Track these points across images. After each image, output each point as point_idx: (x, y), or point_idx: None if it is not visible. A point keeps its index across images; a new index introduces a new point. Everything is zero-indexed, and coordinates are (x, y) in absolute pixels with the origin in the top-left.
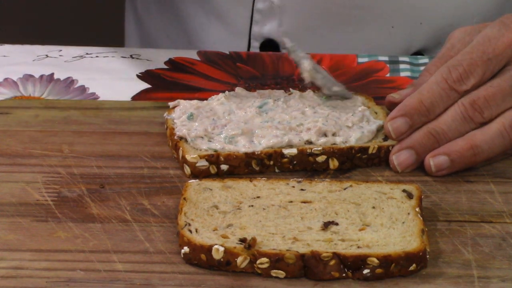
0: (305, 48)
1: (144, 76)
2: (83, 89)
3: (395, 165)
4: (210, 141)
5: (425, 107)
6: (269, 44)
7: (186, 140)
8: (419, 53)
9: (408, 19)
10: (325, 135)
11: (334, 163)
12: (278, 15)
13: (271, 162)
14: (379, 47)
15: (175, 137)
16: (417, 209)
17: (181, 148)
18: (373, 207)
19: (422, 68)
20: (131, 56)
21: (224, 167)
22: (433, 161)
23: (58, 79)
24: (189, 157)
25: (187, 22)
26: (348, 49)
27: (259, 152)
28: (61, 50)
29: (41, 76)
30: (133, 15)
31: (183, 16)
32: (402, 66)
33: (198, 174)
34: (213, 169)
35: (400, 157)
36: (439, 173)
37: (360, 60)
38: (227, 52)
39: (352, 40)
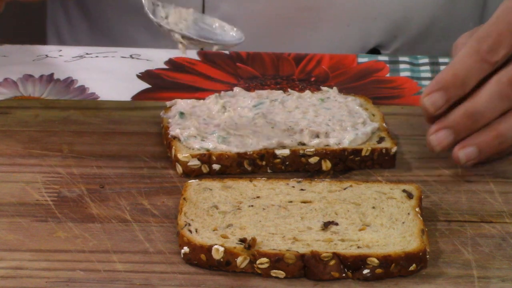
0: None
1: (144, 76)
2: (83, 89)
3: (433, 145)
4: (203, 141)
5: (460, 80)
6: None
7: (179, 139)
8: (375, 49)
9: (363, 16)
10: (318, 136)
11: (326, 165)
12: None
13: (263, 163)
14: (336, 46)
15: (169, 136)
16: (417, 209)
17: (173, 147)
18: (373, 207)
19: (422, 68)
20: (131, 56)
21: (216, 166)
22: (462, 152)
23: (58, 79)
24: (181, 156)
25: (119, 35)
26: (304, 51)
27: (251, 152)
28: (61, 50)
29: (41, 76)
30: (54, 28)
31: (124, 40)
32: (402, 66)
33: (190, 173)
34: (205, 168)
35: (438, 137)
36: (468, 163)
37: (360, 60)
38: (227, 52)
39: (307, 42)
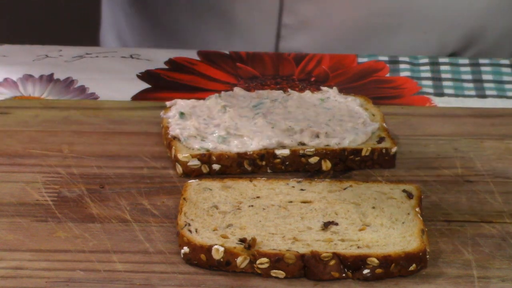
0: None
1: (144, 76)
2: (83, 89)
3: None
4: (203, 141)
5: None
6: None
7: (179, 139)
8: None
9: (440, 24)
10: (318, 136)
11: (326, 165)
12: (307, 28)
13: (263, 163)
14: (411, 53)
15: (169, 136)
16: (417, 209)
17: (173, 147)
18: (373, 207)
19: (422, 68)
20: (131, 56)
21: (216, 166)
22: None
23: (58, 79)
24: (181, 156)
25: (177, 33)
26: (380, 55)
27: (251, 152)
28: (61, 50)
29: (41, 76)
30: (110, 25)
31: (172, 28)
32: (402, 66)
33: (190, 173)
34: (205, 169)
35: None
36: None
37: (360, 60)
38: (227, 52)
39: (383, 47)
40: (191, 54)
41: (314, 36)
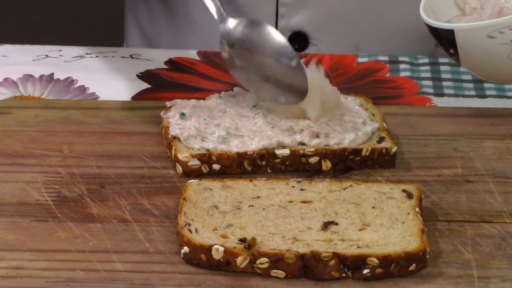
0: (336, 36)
1: (144, 76)
2: (83, 89)
3: None
4: (203, 141)
5: None
6: (297, 37)
7: (179, 139)
8: None
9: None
10: (318, 136)
11: (326, 164)
12: (305, 5)
13: (263, 162)
14: (411, 28)
15: (169, 136)
16: (417, 209)
17: (173, 147)
18: (373, 207)
19: (422, 68)
20: (131, 56)
21: (216, 166)
22: None
23: (58, 79)
24: (181, 156)
25: (203, 30)
26: (382, 32)
27: (251, 152)
28: (61, 50)
29: (41, 76)
30: (134, 21)
31: (198, 24)
32: (402, 66)
33: (190, 173)
34: (205, 169)
35: None
36: None
37: (360, 60)
38: None
39: (385, 23)
40: (191, 54)
41: (312, 12)
